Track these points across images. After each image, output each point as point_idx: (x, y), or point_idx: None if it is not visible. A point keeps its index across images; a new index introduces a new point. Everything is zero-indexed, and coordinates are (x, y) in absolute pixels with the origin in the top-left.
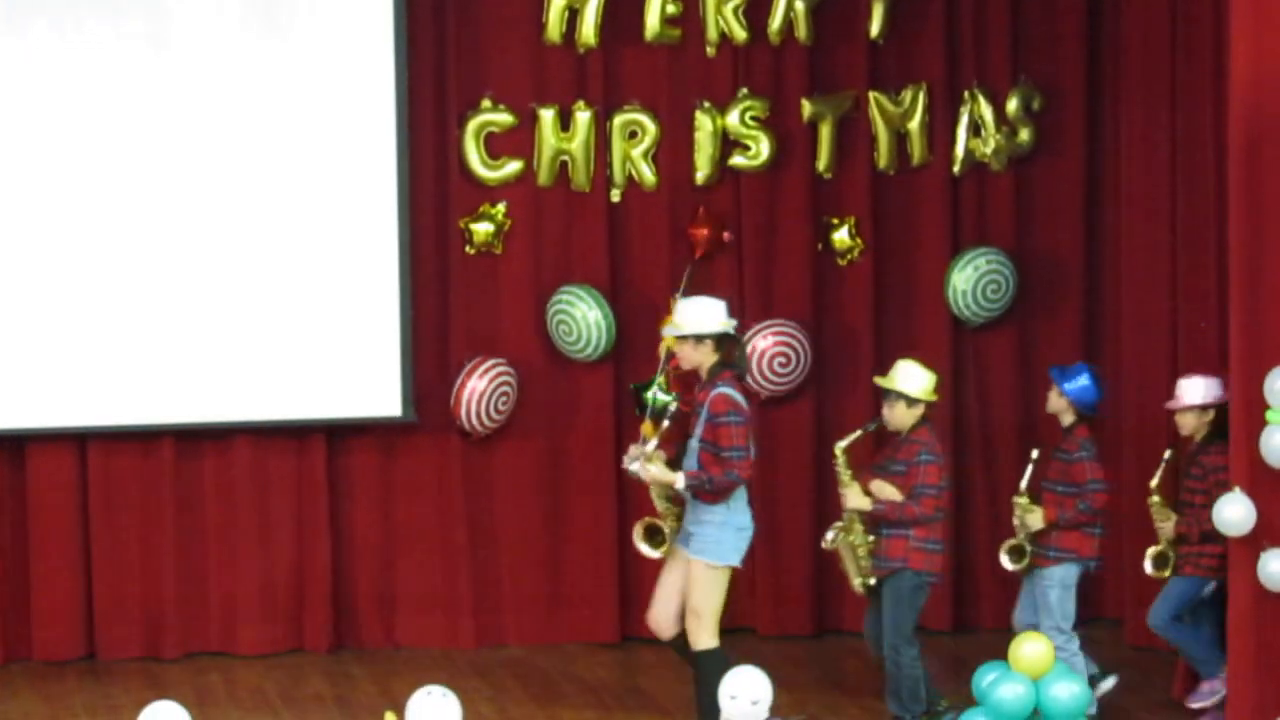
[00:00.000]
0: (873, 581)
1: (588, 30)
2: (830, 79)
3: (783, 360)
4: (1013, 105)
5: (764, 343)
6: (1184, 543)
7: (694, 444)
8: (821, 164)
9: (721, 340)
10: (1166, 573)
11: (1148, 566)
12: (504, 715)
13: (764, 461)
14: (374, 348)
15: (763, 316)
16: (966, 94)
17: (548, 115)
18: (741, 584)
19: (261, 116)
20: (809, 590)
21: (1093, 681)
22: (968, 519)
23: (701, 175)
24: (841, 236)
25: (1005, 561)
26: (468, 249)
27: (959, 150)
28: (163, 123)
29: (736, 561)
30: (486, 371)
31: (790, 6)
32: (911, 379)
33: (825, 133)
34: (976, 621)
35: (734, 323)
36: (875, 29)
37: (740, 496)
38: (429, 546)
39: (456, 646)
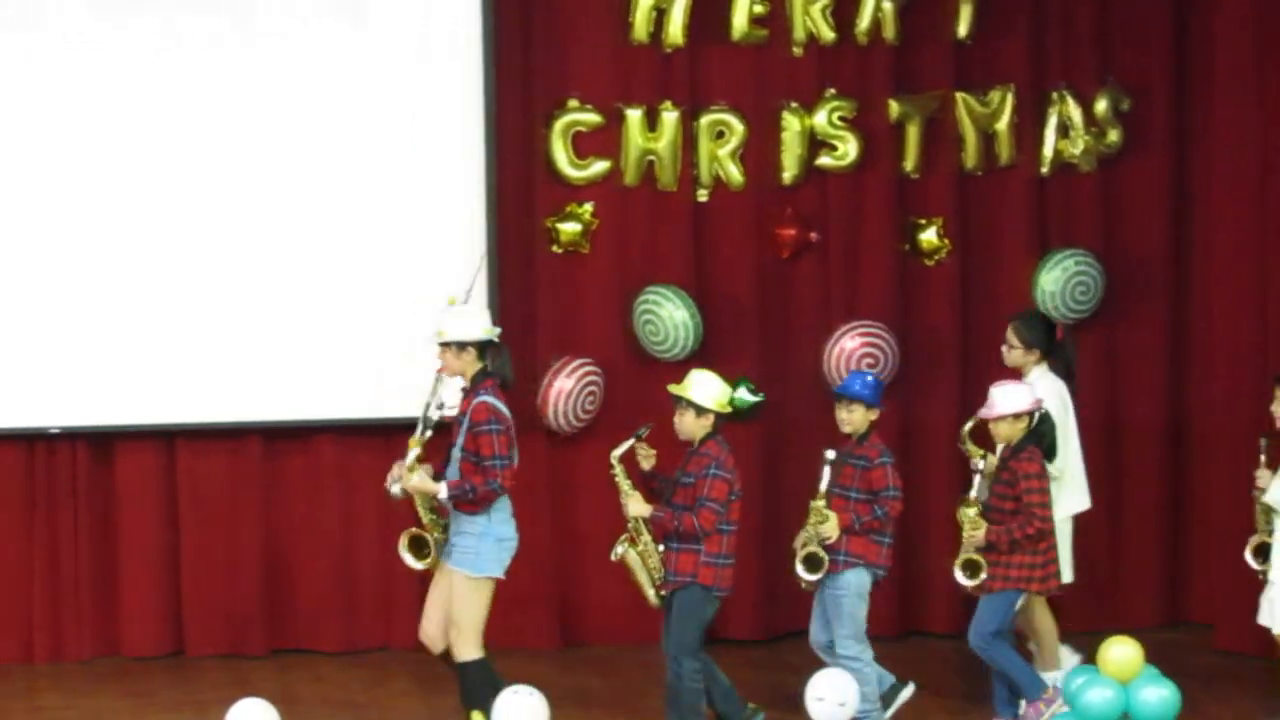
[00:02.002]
0: (664, 594)
1: (675, 30)
2: (917, 79)
3: (870, 361)
4: (1101, 106)
5: (850, 344)
6: (993, 551)
7: (456, 453)
8: (909, 164)
9: (485, 348)
10: (977, 580)
11: (957, 574)
12: (589, 716)
13: None
14: None
15: (849, 318)
16: (1054, 95)
17: (634, 115)
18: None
19: (348, 117)
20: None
21: (893, 692)
22: None
23: (788, 175)
24: (929, 237)
25: (801, 573)
26: (554, 249)
27: (1047, 151)
28: (249, 120)
29: (498, 573)
30: (574, 371)
31: (878, 6)
32: (702, 388)
33: (912, 133)
34: (1064, 625)
35: (497, 330)
36: (963, 29)
37: (502, 507)
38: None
39: (541, 646)
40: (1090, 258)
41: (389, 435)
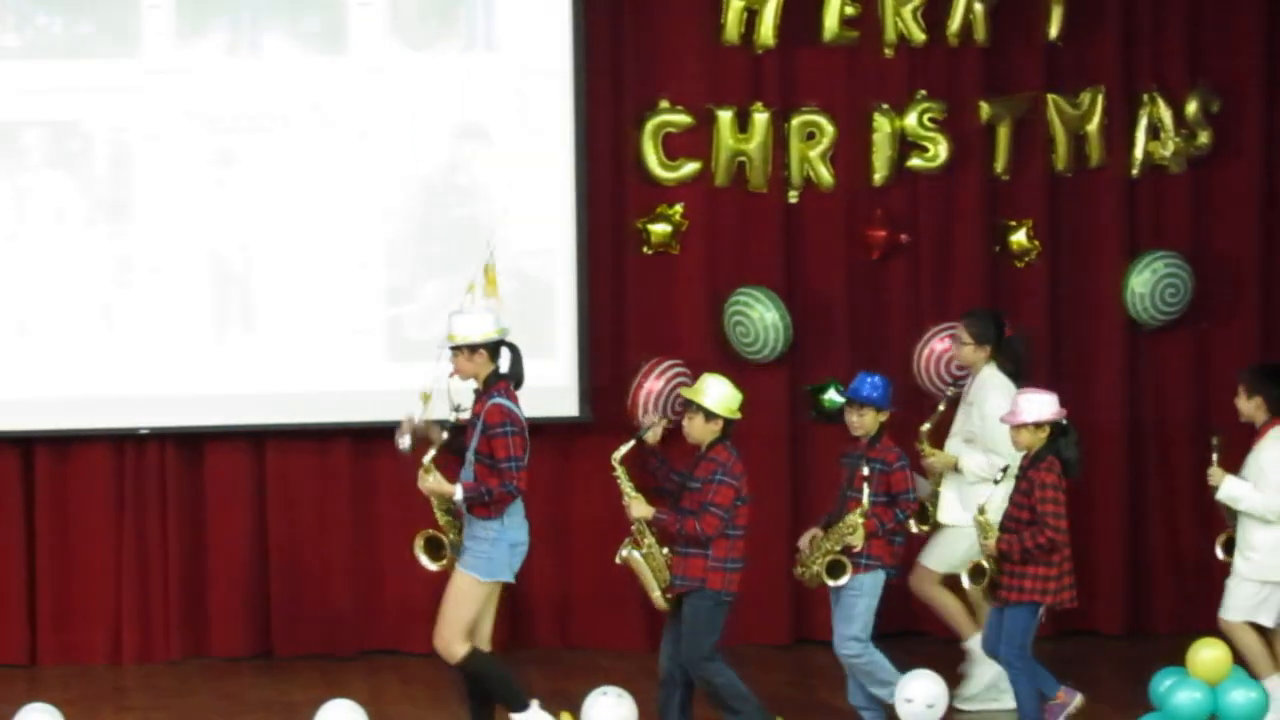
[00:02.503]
0: (670, 597)
1: (766, 31)
2: (1007, 80)
3: (959, 363)
4: (1191, 108)
5: (940, 345)
6: (1006, 560)
7: (470, 456)
8: (999, 166)
9: (496, 350)
10: (982, 584)
11: (964, 580)
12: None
13: None
14: (550, 347)
15: (938, 319)
16: (1145, 97)
17: (725, 116)
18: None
19: (439, 118)
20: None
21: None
22: (1142, 522)
23: (879, 177)
24: (1019, 238)
25: (825, 578)
26: (644, 250)
27: (1137, 152)
28: (338, 124)
29: (509, 577)
30: (664, 373)
31: (969, 7)
32: (713, 393)
33: (1003, 134)
34: (1152, 626)
35: (507, 330)
36: (1054, 30)
37: (516, 511)
38: (603, 546)
39: (629, 648)
40: (1180, 259)
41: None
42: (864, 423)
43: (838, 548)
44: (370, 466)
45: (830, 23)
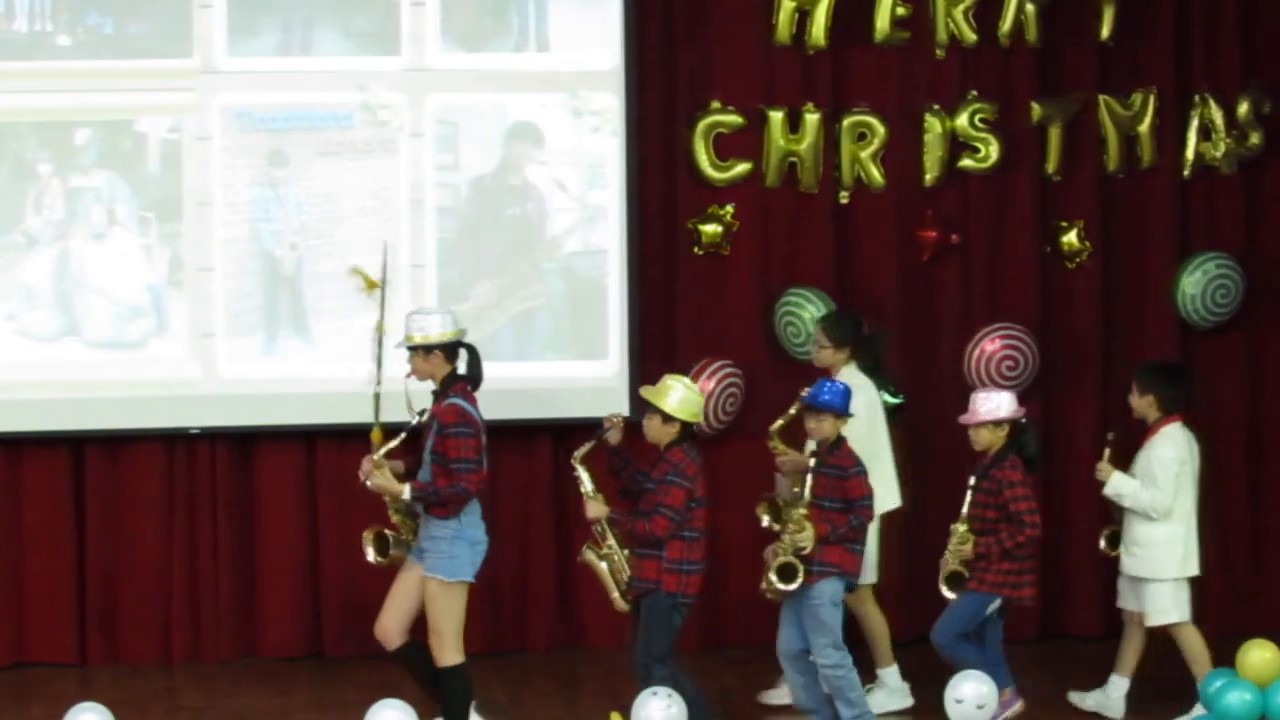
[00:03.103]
0: (630, 599)
1: (817, 31)
2: (1059, 81)
3: (1010, 364)
4: (1243, 109)
5: (991, 346)
6: (985, 559)
7: (426, 456)
8: (1050, 166)
9: (453, 351)
10: (960, 593)
11: (942, 588)
12: (729, 718)
13: None
14: (601, 348)
15: (990, 319)
16: (1196, 98)
17: (776, 116)
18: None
19: (490, 118)
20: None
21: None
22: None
23: (930, 177)
24: (1070, 239)
25: (775, 582)
26: (695, 250)
27: (1189, 153)
28: (389, 123)
29: (469, 577)
30: (715, 373)
31: (1021, 8)
32: (672, 396)
33: (1054, 135)
34: (1201, 627)
35: (464, 330)
36: (1105, 31)
37: (473, 510)
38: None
39: (681, 649)
40: (1231, 261)
41: (530, 437)
42: (822, 428)
43: (790, 551)
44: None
45: (882, 23)
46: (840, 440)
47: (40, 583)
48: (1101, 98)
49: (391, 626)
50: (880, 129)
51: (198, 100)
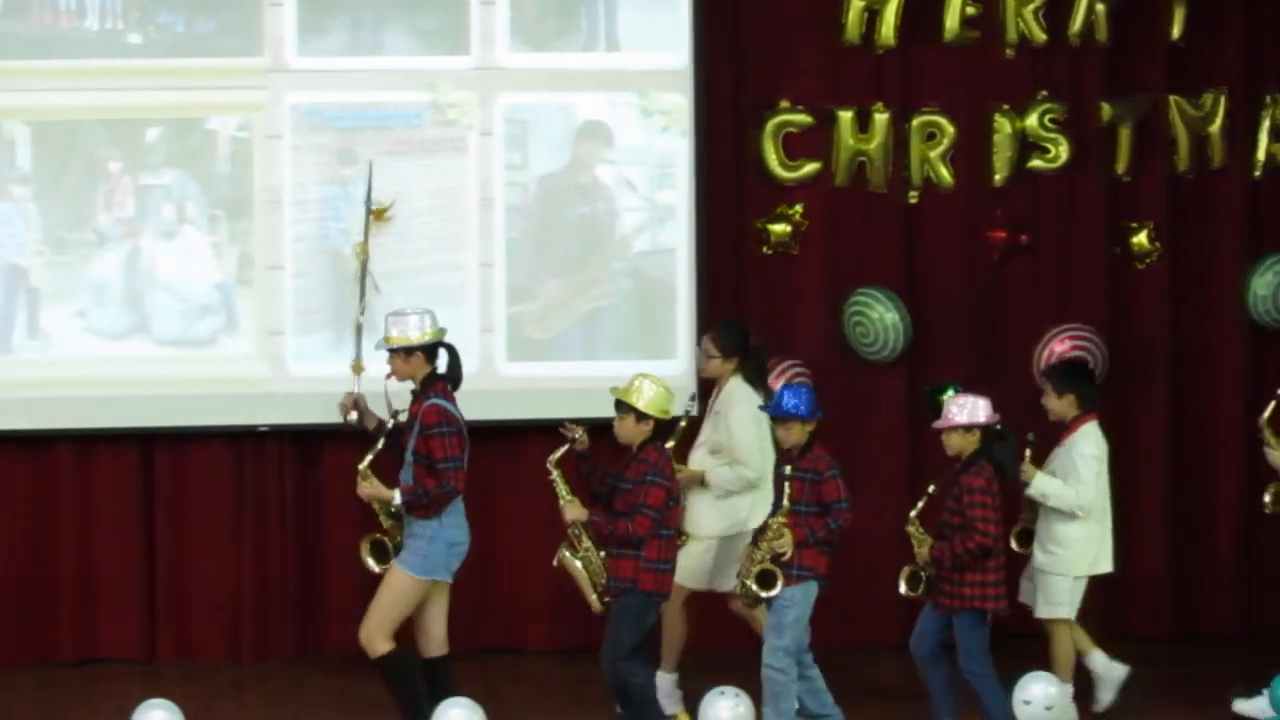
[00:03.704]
0: (607, 600)
1: (887, 30)
2: (1128, 81)
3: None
4: None
5: (1060, 346)
6: (939, 567)
7: (408, 457)
8: (1120, 167)
9: (433, 351)
10: (919, 591)
11: (901, 586)
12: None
13: None
14: (670, 346)
15: (1059, 320)
16: (1268, 98)
17: (846, 116)
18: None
19: (559, 117)
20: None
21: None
22: (1259, 525)
23: (999, 177)
24: (1140, 240)
25: (754, 588)
26: (764, 249)
27: (1259, 154)
28: (458, 122)
29: (446, 577)
30: (784, 373)
31: (1091, 8)
32: (644, 394)
33: (1124, 136)
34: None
35: (443, 330)
36: (1176, 31)
37: (455, 510)
38: None
39: (743, 649)
40: None
41: (598, 438)
42: (790, 436)
43: (768, 557)
44: (486, 466)
45: (951, 23)
46: (812, 444)
47: (109, 580)
48: (1172, 98)
49: (434, 633)
50: (949, 129)
51: (268, 98)
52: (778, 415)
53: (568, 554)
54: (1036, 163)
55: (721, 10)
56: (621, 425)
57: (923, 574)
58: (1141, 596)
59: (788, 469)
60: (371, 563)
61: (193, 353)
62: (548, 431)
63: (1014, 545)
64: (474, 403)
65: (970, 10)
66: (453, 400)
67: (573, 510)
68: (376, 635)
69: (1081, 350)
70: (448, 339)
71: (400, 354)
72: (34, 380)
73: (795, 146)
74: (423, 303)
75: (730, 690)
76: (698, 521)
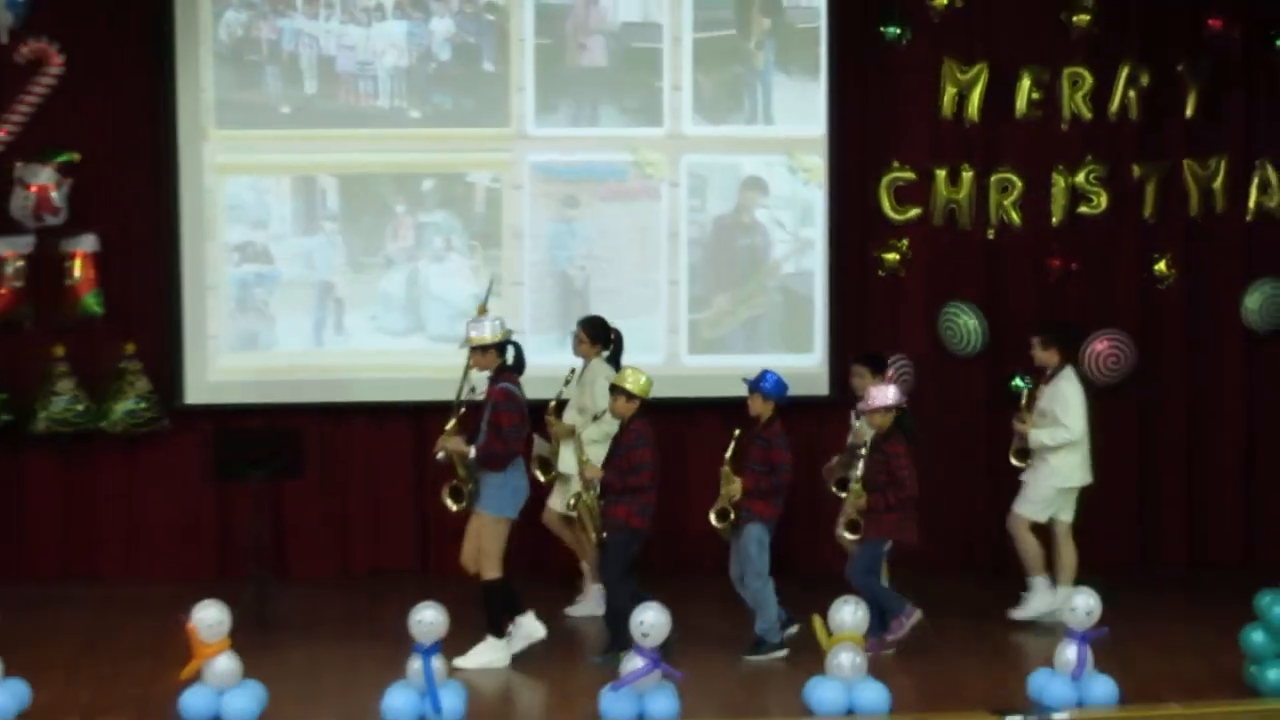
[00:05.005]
0: (605, 535)
1: (973, 109)
2: (1154, 149)
3: (1114, 360)
4: None
5: (1100, 345)
6: (873, 511)
7: (483, 426)
8: (1147, 211)
9: (502, 348)
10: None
11: (713, 518)
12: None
13: (1106, 435)
14: (809, 344)
15: (1100, 326)
16: (1257, 162)
17: (941, 173)
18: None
19: (728, 173)
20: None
21: (783, 625)
22: (1253, 480)
23: (1056, 220)
24: (1161, 267)
25: (714, 520)
26: (879, 272)
27: (1251, 203)
28: (654, 177)
29: (513, 514)
30: (894, 363)
31: (1125, 93)
32: (631, 380)
33: (1151, 188)
34: None
35: (510, 332)
36: (1190, 111)
37: (517, 465)
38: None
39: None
40: (1278, 285)
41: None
42: (755, 406)
43: (727, 501)
44: (673, 432)
45: (1021, 103)
46: (772, 420)
47: (391, 511)
48: (1186, 161)
49: (467, 557)
50: (1019, 183)
51: (513, 158)
52: (752, 389)
53: (584, 496)
54: (1084, 209)
55: (851, 93)
56: (615, 404)
57: (860, 521)
58: (1165, 534)
59: (737, 431)
60: (450, 503)
61: (455, 347)
62: (719, 408)
63: (1013, 460)
64: (664, 386)
65: (1035, 95)
66: (518, 384)
67: (592, 469)
68: (489, 568)
69: (1116, 348)
70: (633, 338)
71: (478, 351)
72: (338, 366)
73: (903, 196)
74: (624, 311)
75: (852, 599)
76: (567, 461)
